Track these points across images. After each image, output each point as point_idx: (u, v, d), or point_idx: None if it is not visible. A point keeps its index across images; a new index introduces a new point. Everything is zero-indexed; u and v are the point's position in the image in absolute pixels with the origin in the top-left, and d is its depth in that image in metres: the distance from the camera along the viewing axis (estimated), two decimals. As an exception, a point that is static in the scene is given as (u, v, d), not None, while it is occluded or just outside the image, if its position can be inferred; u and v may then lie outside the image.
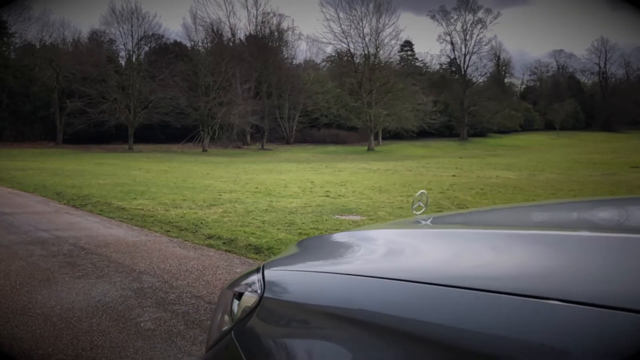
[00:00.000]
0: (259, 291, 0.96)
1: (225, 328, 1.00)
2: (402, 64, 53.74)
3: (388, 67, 46.24)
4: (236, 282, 1.07)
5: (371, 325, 0.69)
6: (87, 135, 38.39)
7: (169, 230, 6.73)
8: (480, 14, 53.29)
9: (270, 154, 35.75)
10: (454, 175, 17.42)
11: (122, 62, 41.95)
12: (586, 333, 0.50)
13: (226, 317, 1.02)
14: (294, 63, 49.79)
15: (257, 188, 12.11)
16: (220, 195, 10.58)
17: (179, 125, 39.03)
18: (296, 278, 0.90)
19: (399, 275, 0.74)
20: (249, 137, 43.86)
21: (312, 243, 1.14)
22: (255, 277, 1.00)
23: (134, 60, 40.82)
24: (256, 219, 7.45)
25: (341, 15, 48.91)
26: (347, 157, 33.80)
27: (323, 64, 51.84)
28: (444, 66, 58.14)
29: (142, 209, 8.45)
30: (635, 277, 0.55)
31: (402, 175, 17.80)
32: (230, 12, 48.46)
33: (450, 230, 0.91)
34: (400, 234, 0.96)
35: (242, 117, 39.19)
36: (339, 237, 1.08)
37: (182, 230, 6.80)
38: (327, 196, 10.60)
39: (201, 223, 7.18)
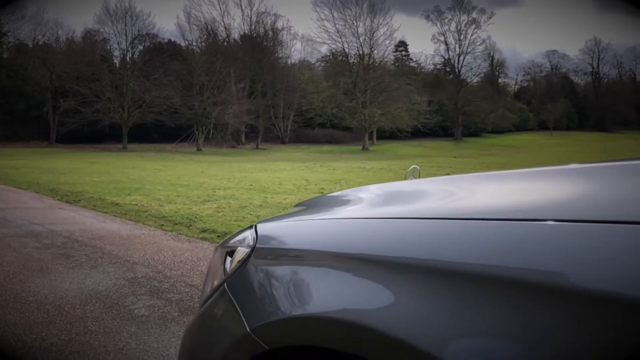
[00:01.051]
0: (251, 243, 0.97)
1: (217, 282, 1.02)
2: (397, 64, 53.86)
3: (382, 67, 46.35)
4: (229, 240, 1.08)
5: (363, 260, 0.70)
6: (80, 134, 38.22)
7: (163, 225, 6.73)
8: (474, 14, 53.44)
9: (265, 153, 35.70)
10: (447, 174, 17.48)
11: (116, 61, 41.83)
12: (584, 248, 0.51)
13: (219, 274, 1.04)
14: (288, 63, 49.81)
15: (251, 185, 12.11)
16: (215, 192, 10.57)
17: (173, 124, 38.94)
18: (288, 227, 0.91)
19: (387, 215, 0.76)
20: (243, 137, 43.81)
21: (305, 203, 1.16)
22: (248, 233, 1.01)
23: (128, 59, 40.70)
24: (251, 214, 7.46)
25: (335, 15, 48.94)
26: (342, 156, 33.81)
27: (318, 63, 51.90)
28: (438, 66, 58.31)
29: (136, 205, 8.43)
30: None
31: (396, 173, 17.83)
32: (224, 12, 48.53)
33: (439, 178, 0.93)
34: (391, 186, 0.98)
35: (236, 117, 39.15)
36: (332, 194, 1.10)
37: (176, 224, 6.79)
38: (322, 192, 10.62)
39: (195, 217, 7.17)
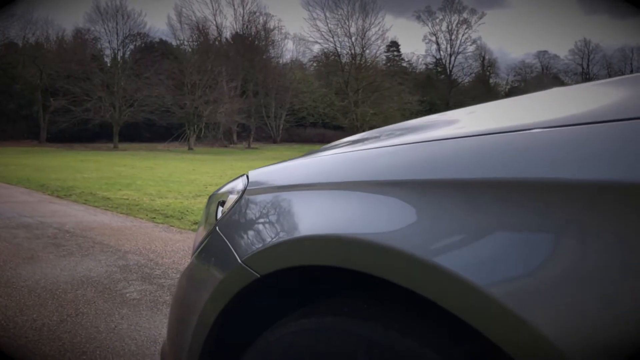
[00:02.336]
0: (242, 187, 0.99)
1: (209, 229, 1.04)
2: (389, 64, 53.99)
3: (374, 67, 46.46)
4: (221, 189, 1.10)
5: (359, 183, 0.72)
6: (71, 133, 37.96)
7: (154, 217, 6.72)
8: (465, 14, 53.71)
9: (257, 153, 35.64)
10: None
11: (107, 60, 41.61)
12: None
13: (211, 222, 1.06)
14: (280, 62, 49.77)
15: (243, 181, 12.10)
16: (207, 187, 10.55)
17: (165, 123, 38.80)
18: (280, 168, 0.94)
19: (380, 145, 0.78)
20: (235, 136, 43.72)
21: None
22: (240, 180, 1.03)
23: (119, 58, 40.51)
24: (242, 207, 7.46)
25: (327, 14, 49.01)
26: (334, 155, 33.77)
27: (310, 63, 51.90)
28: (429, 66, 58.53)
29: (127, 199, 8.41)
30: None
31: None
32: (216, 11, 48.37)
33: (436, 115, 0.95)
34: (392, 127, 1.00)
35: (228, 116, 39.08)
36: (326, 146, 1.12)
37: (167, 217, 6.79)
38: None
39: (187, 211, 7.18)
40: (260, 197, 0.91)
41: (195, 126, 38.75)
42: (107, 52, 42.36)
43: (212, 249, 0.96)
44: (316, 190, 0.78)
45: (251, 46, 45.35)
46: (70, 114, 36.87)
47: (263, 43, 47.62)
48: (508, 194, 0.56)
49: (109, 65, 40.59)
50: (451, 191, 0.61)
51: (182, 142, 38.76)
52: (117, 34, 40.36)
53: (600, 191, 0.49)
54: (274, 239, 0.79)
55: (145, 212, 7.14)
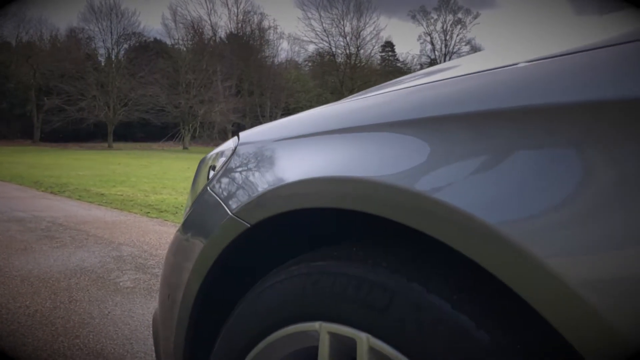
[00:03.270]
0: (233, 147, 1.00)
1: (200, 190, 1.04)
2: (383, 63, 54.04)
3: (369, 66, 46.52)
4: (212, 152, 1.11)
5: (353, 128, 0.73)
6: (65, 133, 37.82)
7: (148, 212, 6.71)
8: (460, 15, 53.80)
9: (252, 152, 35.56)
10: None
11: (102, 59, 41.45)
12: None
13: (202, 184, 1.06)
14: (275, 62, 49.71)
15: (238, 178, 12.08)
16: (201, 183, 10.53)
17: (159, 123, 38.69)
18: (271, 126, 0.94)
19: (370, 95, 0.78)
20: (230, 135, 43.61)
21: None
22: (230, 141, 1.04)
23: (113, 57, 40.37)
24: (237, 202, 7.46)
25: (322, 14, 49.07)
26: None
27: (305, 63, 51.89)
28: (424, 66, 58.60)
29: (122, 195, 8.39)
30: None
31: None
32: (211, 10, 48.25)
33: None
34: (373, 88, 1.00)
35: (223, 115, 39.01)
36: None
37: (162, 212, 6.78)
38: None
39: (182, 206, 7.16)
40: (251, 152, 0.91)
41: (190, 125, 38.67)
42: (102, 51, 42.21)
43: (202, 209, 0.97)
44: (308, 139, 0.78)
45: (246, 45, 45.29)
46: (64, 113, 36.73)
47: (258, 42, 47.57)
48: (512, 122, 0.56)
49: (103, 64, 40.45)
50: (450, 126, 0.62)
51: (176, 142, 38.67)
52: (111, 32, 40.24)
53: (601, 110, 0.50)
54: (265, 188, 0.79)
55: (139, 207, 7.13)
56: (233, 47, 43.89)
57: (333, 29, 45.13)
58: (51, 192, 8.76)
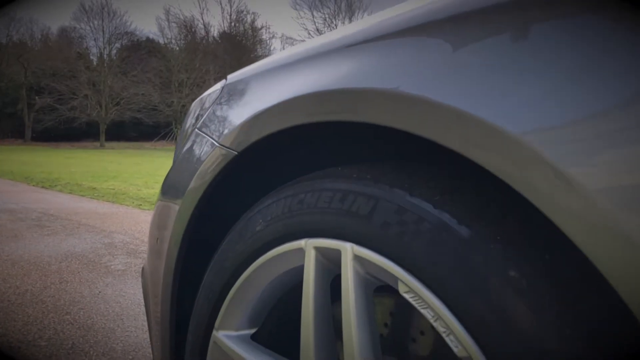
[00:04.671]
0: (222, 86, 1.00)
1: (190, 132, 1.04)
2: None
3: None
4: (201, 96, 1.11)
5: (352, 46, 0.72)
6: (56, 132, 37.58)
7: (140, 204, 6.69)
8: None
9: (245, 151, 35.50)
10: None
11: (94, 58, 41.24)
12: None
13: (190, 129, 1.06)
14: (268, 61, 49.56)
15: (230, 174, 12.07)
16: (194, 179, 10.50)
17: (152, 122, 38.53)
18: (260, 63, 0.94)
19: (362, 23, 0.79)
20: (223, 135, 43.49)
21: None
22: (219, 84, 1.04)
23: (105, 56, 40.18)
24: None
25: (315, 13, 49.05)
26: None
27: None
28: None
29: (114, 189, 8.36)
30: None
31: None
32: (204, 9, 48.09)
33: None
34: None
35: (216, 114, 38.83)
36: None
37: (154, 204, 6.74)
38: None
39: (174, 198, 7.14)
40: (239, 88, 0.91)
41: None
42: (94, 50, 41.99)
43: (190, 149, 0.97)
44: (296, 65, 0.78)
45: (239, 45, 45.20)
46: (55, 113, 36.51)
47: (251, 42, 47.51)
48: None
49: (95, 63, 40.24)
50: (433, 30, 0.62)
51: (169, 141, 38.52)
52: (102, 31, 40.04)
53: None
54: (251, 114, 0.80)
55: (131, 200, 7.10)
56: (226, 46, 43.80)
57: (325, 28, 45.12)
58: (42, 187, 8.71)
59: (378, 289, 0.75)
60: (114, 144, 37.36)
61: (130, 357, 1.92)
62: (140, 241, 4.14)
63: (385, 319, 0.78)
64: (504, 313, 0.51)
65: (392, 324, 0.78)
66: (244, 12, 48.93)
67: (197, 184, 0.88)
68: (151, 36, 44.53)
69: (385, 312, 0.79)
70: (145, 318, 2.31)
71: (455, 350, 0.55)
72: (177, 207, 0.95)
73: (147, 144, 37.91)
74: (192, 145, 0.97)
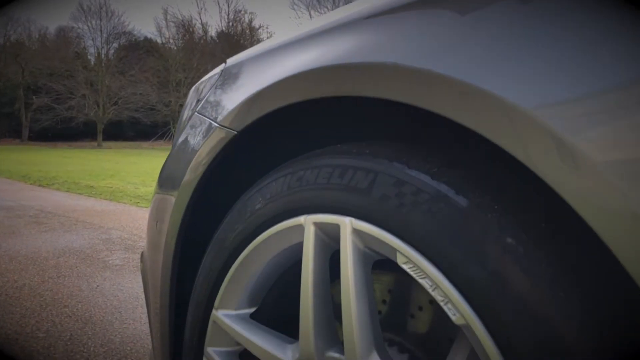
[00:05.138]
0: (218, 70, 1.01)
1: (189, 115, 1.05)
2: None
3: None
4: (201, 81, 1.11)
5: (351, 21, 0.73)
6: (54, 132, 37.47)
7: (138, 202, 6.68)
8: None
9: (243, 151, 35.45)
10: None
11: (91, 58, 41.15)
12: None
13: (189, 113, 1.06)
14: (266, 61, 49.57)
15: (228, 173, 12.06)
16: (191, 177, 10.50)
17: (149, 121, 38.45)
18: (259, 45, 0.95)
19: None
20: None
21: None
22: (218, 67, 1.04)
23: (103, 56, 40.10)
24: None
25: (312, 13, 48.98)
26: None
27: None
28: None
29: (111, 187, 8.35)
30: None
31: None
32: (201, 9, 48.05)
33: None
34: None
35: (214, 114, 38.80)
36: None
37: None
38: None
39: (171, 196, 7.14)
40: (238, 70, 0.92)
41: (181, 124, 38.40)
42: (91, 50, 41.91)
43: (190, 132, 0.97)
44: (297, 44, 0.78)
45: (237, 44, 45.18)
46: (53, 112, 36.40)
47: (249, 41, 47.49)
48: None
49: (92, 63, 40.15)
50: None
51: (167, 141, 38.44)
52: (100, 31, 39.97)
53: None
54: (250, 93, 0.80)
55: (129, 197, 7.09)
56: (224, 46, 43.76)
57: (324, 28, 45.05)
58: (39, 185, 8.69)
59: (376, 267, 0.76)
60: (112, 143, 37.28)
61: (129, 348, 1.92)
62: (138, 237, 4.14)
63: (383, 296, 0.79)
64: (500, 279, 0.52)
65: (390, 301, 0.78)
66: (242, 12, 48.91)
67: (197, 164, 0.89)
68: (149, 36, 44.48)
69: (383, 290, 0.79)
70: (144, 310, 2.31)
71: (453, 318, 0.56)
72: (176, 191, 0.96)
73: (144, 144, 37.83)
74: (191, 128, 0.97)
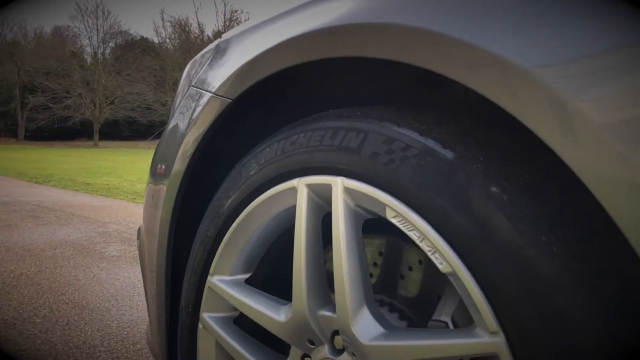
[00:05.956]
0: (216, 43, 1.02)
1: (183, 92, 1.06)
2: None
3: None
4: (196, 56, 1.13)
5: None
6: (50, 131, 37.40)
7: (135, 198, 6.68)
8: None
9: (240, 150, 35.41)
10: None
11: (88, 57, 41.06)
12: None
13: (186, 88, 1.08)
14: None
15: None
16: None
17: (146, 121, 38.38)
18: (255, 20, 0.96)
19: None
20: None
21: None
22: (213, 42, 1.06)
23: (99, 55, 40.02)
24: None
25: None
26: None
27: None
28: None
29: (108, 184, 8.35)
30: None
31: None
32: (198, 9, 48.03)
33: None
34: None
35: (210, 114, 38.76)
36: None
37: (148, 198, 6.75)
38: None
39: (168, 192, 7.14)
40: (234, 43, 0.93)
41: (177, 124, 38.33)
42: (88, 49, 41.81)
43: (186, 105, 0.99)
44: (292, 12, 0.80)
45: (233, 44, 45.11)
46: (49, 111, 36.31)
47: (245, 41, 47.42)
48: None
49: (89, 62, 40.06)
50: None
51: (163, 140, 38.29)
52: (97, 30, 39.90)
53: None
54: (246, 60, 0.82)
55: (125, 194, 7.10)
56: (220, 46, 43.66)
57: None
58: (36, 182, 8.68)
59: (367, 230, 0.78)
60: (108, 143, 37.20)
61: (125, 332, 1.93)
62: (134, 230, 4.15)
63: (374, 259, 0.81)
64: (485, 225, 0.54)
65: (381, 264, 0.80)
66: (238, 12, 48.85)
67: (193, 135, 0.90)
68: (146, 35, 44.41)
69: (374, 252, 0.81)
70: (140, 298, 2.32)
71: (440, 267, 0.58)
72: (173, 164, 0.97)
73: (141, 143, 37.74)
74: (187, 101, 0.99)
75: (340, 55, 0.67)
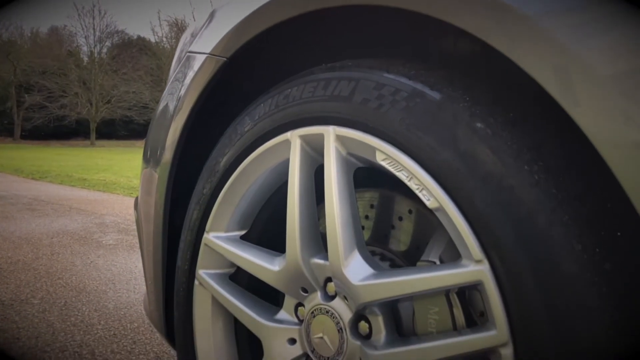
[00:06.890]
0: (210, 15, 1.04)
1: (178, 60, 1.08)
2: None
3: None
4: (189, 28, 1.15)
5: None
6: (46, 130, 37.28)
7: (131, 193, 6.69)
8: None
9: (237, 149, 35.39)
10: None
11: (84, 56, 40.97)
12: None
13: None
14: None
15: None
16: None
17: (142, 120, 38.29)
18: None
19: None
20: (214, 134, 43.37)
21: None
22: (209, 14, 1.08)
23: (96, 54, 39.93)
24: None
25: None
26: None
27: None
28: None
29: (105, 180, 8.35)
30: None
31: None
32: (194, 8, 47.93)
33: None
34: None
35: (207, 113, 38.72)
36: None
37: (145, 192, 6.76)
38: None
39: (165, 187, 7.15)
40: (229, 8, 0.95)
41: (174, 123, 38.27)
42: (84, 48, 41.73)
43: (182, 70, 1.00)
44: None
45: (230, 43, 45.09)
46: (45, 111, 36.19)
47: (242, 40, 47.41)
48: None
49: (85, 61, 39.98)
50: None
51: (160, 139, 38.23)
52: (93, 29, 39.84)
53: None
54: (240, 19, 0.83)
55: (122, 189, 7.10)
56: (217, 45, 43.64)
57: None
58: (32, 178, 8.68)
59: (359, 185, 0.80)
60: (105, 142, 37.10)
61: (122, 312, 1.95)
62: (132, 222, 4.16)
63: (366, 212, 0.83)
64: (470, 158, 0.56)
65: (373, 216, 0.82)
66: (236, 11, 48.84)
67: (190, 95, 0.92)
68: (142, 34, 44.33)
69: (366, 206, 0.83)
70: (137, 282, 2.34)
71: (427, 203, 0.60)
72: (169, 127, 0.99)
73: (138, 142, 37.64)
74: (185, 66, 1.00)
75: (335, 5, 0.69)
